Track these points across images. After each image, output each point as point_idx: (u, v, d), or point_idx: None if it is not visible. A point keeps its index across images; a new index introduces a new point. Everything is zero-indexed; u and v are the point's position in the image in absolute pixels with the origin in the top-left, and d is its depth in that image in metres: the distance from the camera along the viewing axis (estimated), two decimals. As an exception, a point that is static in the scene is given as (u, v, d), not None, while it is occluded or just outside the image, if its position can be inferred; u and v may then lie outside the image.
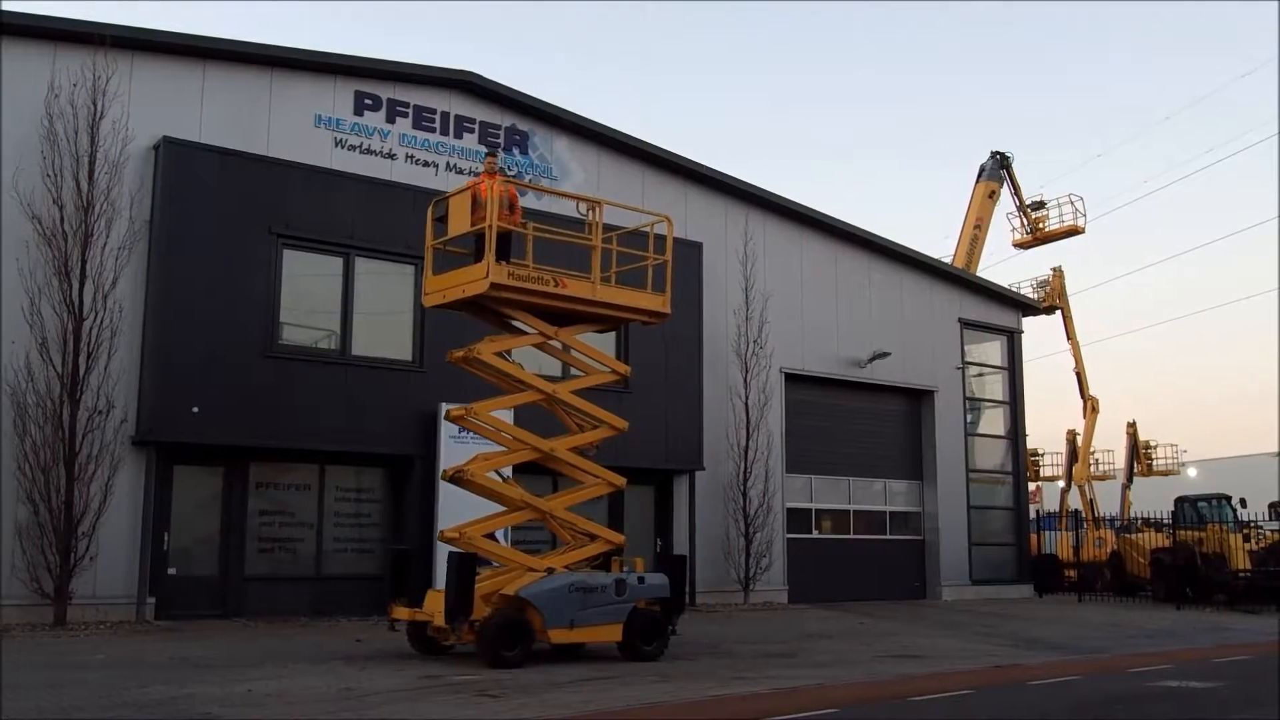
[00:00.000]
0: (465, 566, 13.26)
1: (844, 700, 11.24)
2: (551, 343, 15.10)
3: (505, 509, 14.70)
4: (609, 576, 14.21)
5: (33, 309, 16.60)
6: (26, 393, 16.46)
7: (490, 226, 13.74)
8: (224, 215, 18.19)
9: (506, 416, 17.24)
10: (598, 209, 15.07)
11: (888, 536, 27.57)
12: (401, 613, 13.98)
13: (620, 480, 15.35)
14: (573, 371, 16.93)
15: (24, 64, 17.37)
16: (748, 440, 23.82)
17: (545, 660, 13.48)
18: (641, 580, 14.39)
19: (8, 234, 16.74)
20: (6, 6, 17.57)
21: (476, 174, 20.82)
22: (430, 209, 15.19)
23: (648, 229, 16.03)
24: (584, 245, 15.12)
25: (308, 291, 19.29)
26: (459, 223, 14.42)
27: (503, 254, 14.10)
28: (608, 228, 15.55)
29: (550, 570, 13.87)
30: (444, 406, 18.67)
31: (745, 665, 13.95)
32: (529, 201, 20.30)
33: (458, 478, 14.11)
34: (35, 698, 10.25)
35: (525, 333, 14.89)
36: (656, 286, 15.49)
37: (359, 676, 12.08)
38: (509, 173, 21.70)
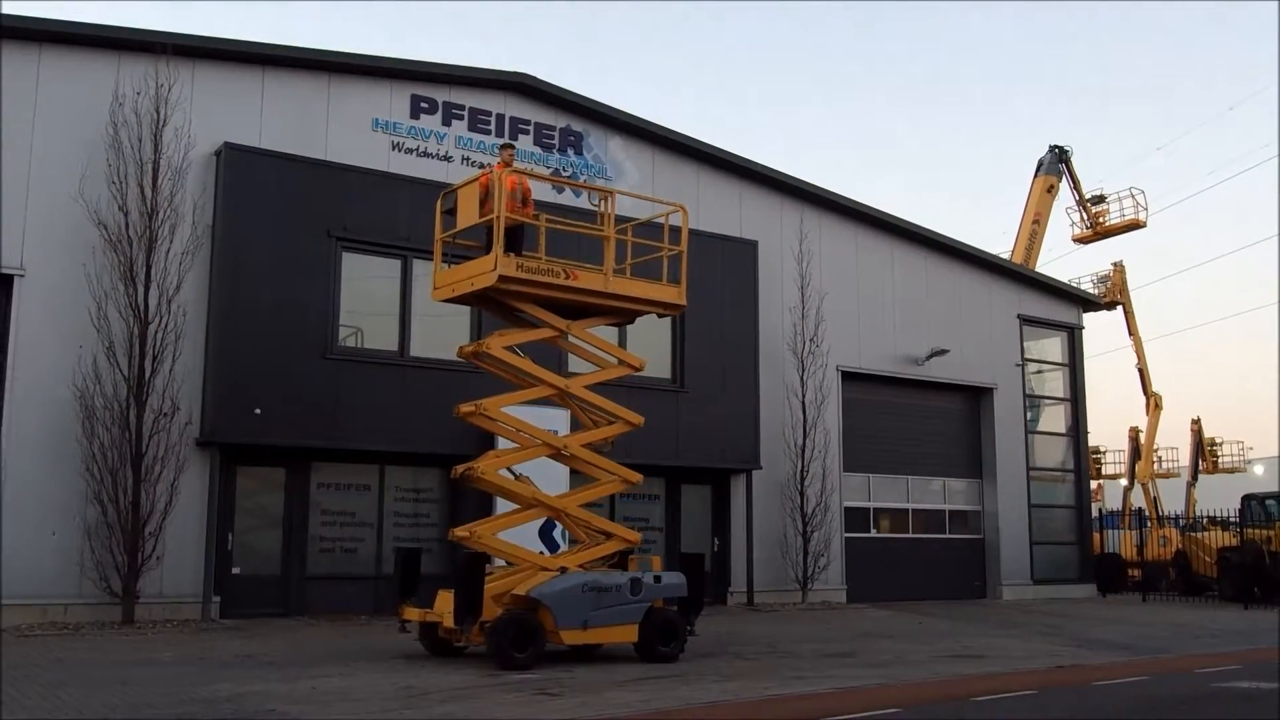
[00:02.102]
0: (474, 566, 13.12)
1: (905, 700, 11.16)
2: (565, 337, 14.88)
3: (518, 507, 14.60)
4: (623, 576, 13.88)
5: (99, 313, 16.91)
6: (94, 395, 16.77)
7: (498, 218, 13.60)
8: (284, 219, 18.44)
9: (561, 415, 17.24)
10: (610, 199, 14.90)
11: (947, 535, 27.31)
12: (412, 613, 13.78)
13: (636, 477, 15.06)
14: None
15: (90, 73, 17.73)
16: (805, 439, 23.71)
17: (594, 661, 13.48)
18: (658, 579, 14.06)
19: (77, 239, 17.07)
20: (70, 14, 17.91)
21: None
22: (439, 201, 15.14)
23: (662, 219, 15.80)
24: (602, 238, 14.89)
25: (367, 294, 19.48)
26: (468, 215, 14.30)
27: (514, 246, 13.95)
28: (622, 219, 15.37)
29: (563, 569, 13.64)
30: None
31: (804, 665, 13.89)
32: (574, 200, 20.40)
33: (467, 476, 13.94)
34: (106, 695, 10.46)
35: (537, 326, 14.71)
36: (669, 276, 15.30)
37: (420, 674, 12.19)
38: (564, 172, 21.77)
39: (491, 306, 14.79)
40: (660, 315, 15.69)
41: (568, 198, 20.52)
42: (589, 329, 15.12)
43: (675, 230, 15.42)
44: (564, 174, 21.71)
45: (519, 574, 13.73)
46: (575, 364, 17.65)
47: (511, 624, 12.86)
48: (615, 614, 13.58)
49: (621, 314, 15.36)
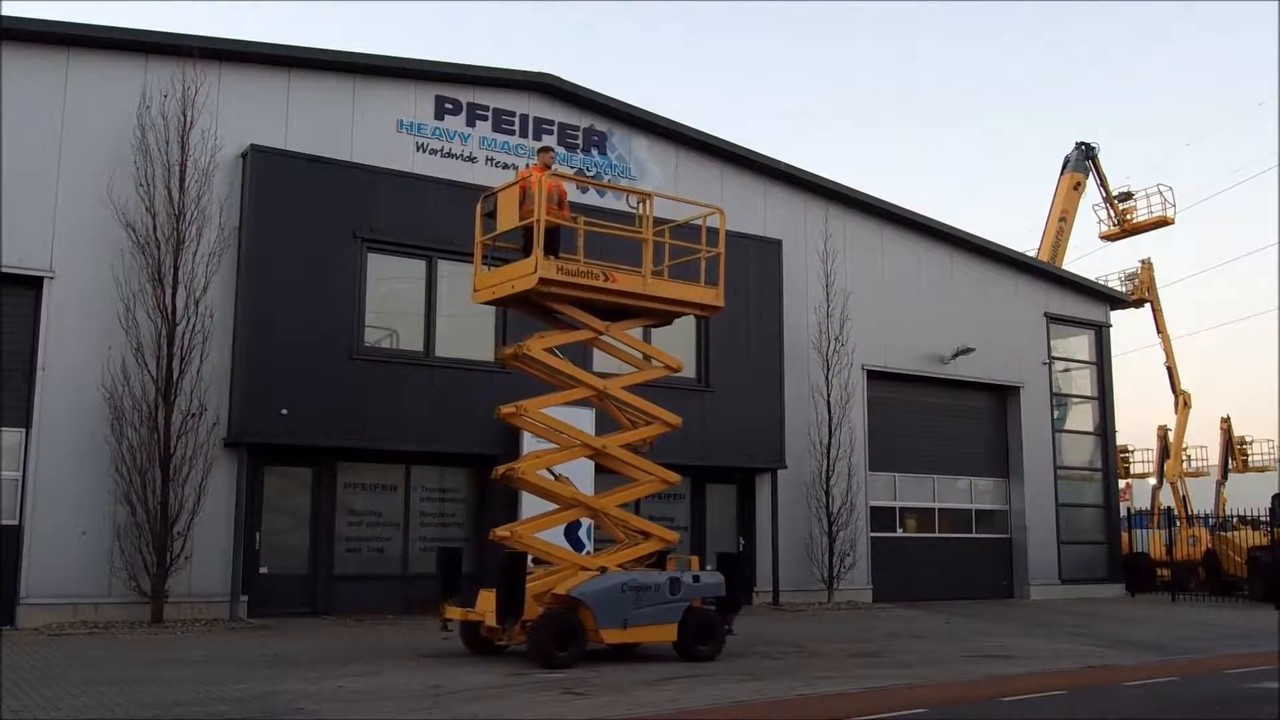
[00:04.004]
0: (515, 566, 13.19)
1: (933, 700, 11.11)
2: (603, 338, 15.00)
3: (557, 507, 14.68)
4: (662, 575, 13.98)
5: (128, 315, 17.05)
6: (123, 396, 16.89)
7: (538, 221, 13.69)
8: (310, 220, 18.53)
9: (587, 415, 17.27)
10: (648, 202, 14.98)
11: (974, 535, 27.17)
12: (454, 613, 13.89)
13: (674, 477, 15.16)
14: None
15: (117, 76, 17.86)
16: (830, 438, 23.64)
17: (624, 661, 13.50)
18: (696, 579, 14.17)
19: (105, 241, 17.19)
20: (96, 17, 18.06)
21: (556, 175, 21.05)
22: (479, 204, 15.22)
23: (699, 221, 15.88)
24: (637, 239, 15.00)
25: (392, 294, 19.56)
26: (507, 218, 14.40)
27: (552, 249, 14.04)
28: (660, 221, 15.42)
29: (602, 569, 13.72)
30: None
31: (831, 664, 13.85)
32: (598, 200, 20.42)
33: (507, 476, 14.04)
34: (135, 693, 10.54)
35: (575, 328, 14.82)
36: (706, 278, 15.37)
37: (447, 673, 12.22)
38: (588, 172, 21.81)
39: (530, 308, 14.90)
40: (698, 317, 15.81)
41: (590, 197, 20.51)
42: (627, 330, 15.24)
43: (712, 232, 15.53)
44: (588, 174, 21.73)
45: (559, 573, 13.85)
46: (600, 364, 17.66)
47: (552, 623, 12.99)
48: (654, 613, 13.68)
49: (659, 315, 15.46)
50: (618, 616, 13.38)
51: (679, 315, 15.60)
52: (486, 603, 13.39)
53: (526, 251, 13.96)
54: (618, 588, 13.46)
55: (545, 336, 14.71)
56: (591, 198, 20.50)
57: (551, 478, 14.55)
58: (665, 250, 15.50)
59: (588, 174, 21.74)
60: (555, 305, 14.50)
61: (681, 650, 13.86)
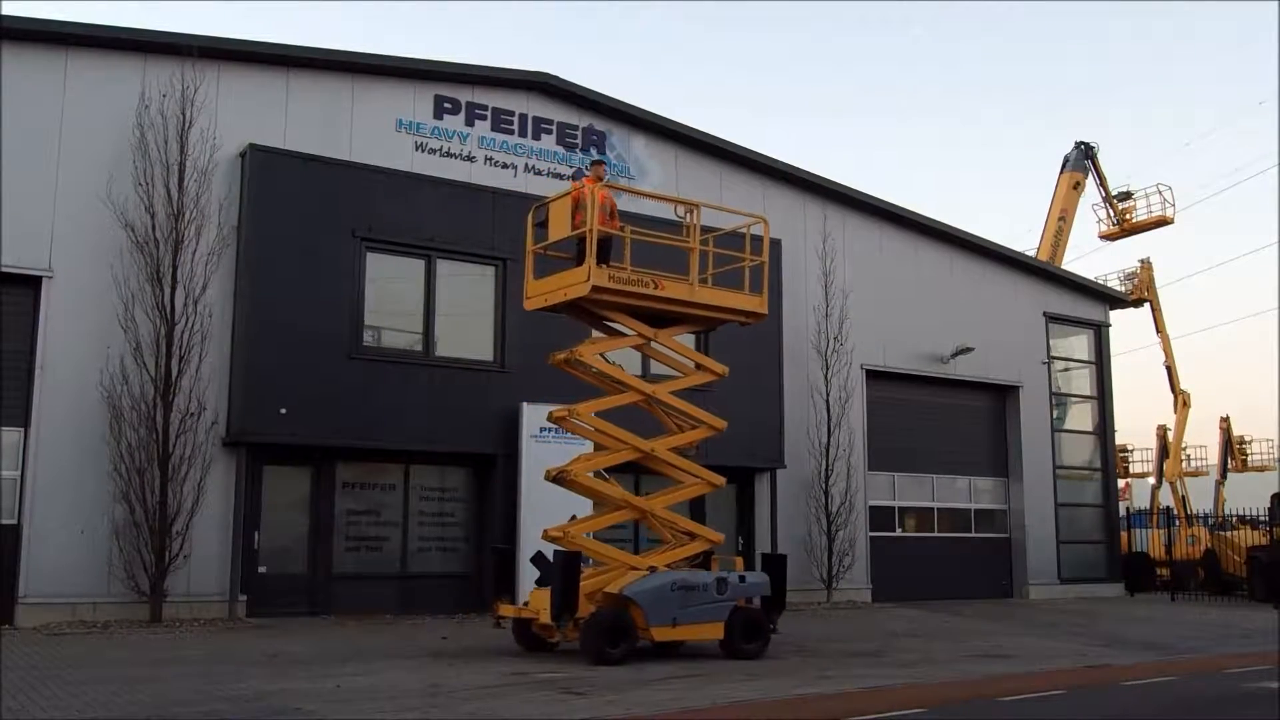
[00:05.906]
0: (571, 565, 13.47)
1: (932, 700, 11.10)
2: (651, 344, 15.27)
3: (605, 508, 14.88)
4: (710, 575, 14.33)
5: (127, 314, 17.05)
6: (122, 396, 16.89)
7: (591, 231, 13.97)
8: (309, 219, 18.51)
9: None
10: (695, 211, 15.21)
11: (973, 534, 27.16)
12: (508, 609, 14.23)
13: (719, 480, 15.45)
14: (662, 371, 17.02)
15: (116, 76, 17.84)
16: (829, 438, 23.64)
17: (645, 658, 13.58)
18: (743, 579, 14.53)
19: (104, 241, 17.18)
20: (95, 16, 18.04)
21: (555, 175, 21.07)
22: (531, 214, 15.46)
23: (744, 230, 16.11)
24: (675, 246, 15.33)
25: (391, 294, 19.55)
26: (559, 227, 14.70)
27: (603, 258, 14.37)
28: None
29: (652, 569, 13.99)
30: (525, 406, 18.88)
31: (831, 664, 13.85)
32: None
33: (560, 478, 14.30)
34: (134, 693, 10.53)
35: (624, 334, 15.08)
36: (750, 286, 15.61)
37: (446, 673, 12.22)
38: (586, 172, 21.83)
39: (580, 314, 15.16)
40: (742, 324, 16.08)
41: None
42: (674, 336, 15.50)
43: (755, 240, 15.81)
44: (586, 173, 21.74)
45: (610, 573, 14.09)
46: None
47: (605, 621, 13.28)
48: (702, 612, 13.99)
49: (704, 322, 15.80)
50: (667, 615, 13.69)
51: (724, 322, 15.96)
52: (539, 600, 13.72)
53: (579, 260, 14.27)
54: (667, 587, 13.78)
55: (596, 342, 15.09)
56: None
57: (602, 480, 14.86)
58: (710, 258, 15.73)
59: (585, 173, 21.76)
60: (606, 312, 14.88)
61: (727, 648, 14.15)
